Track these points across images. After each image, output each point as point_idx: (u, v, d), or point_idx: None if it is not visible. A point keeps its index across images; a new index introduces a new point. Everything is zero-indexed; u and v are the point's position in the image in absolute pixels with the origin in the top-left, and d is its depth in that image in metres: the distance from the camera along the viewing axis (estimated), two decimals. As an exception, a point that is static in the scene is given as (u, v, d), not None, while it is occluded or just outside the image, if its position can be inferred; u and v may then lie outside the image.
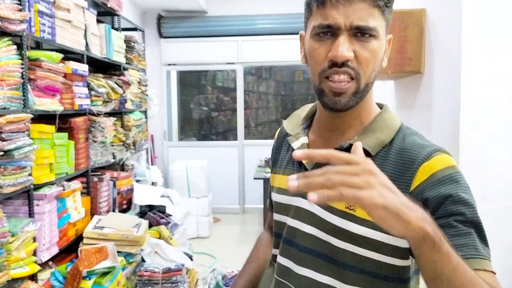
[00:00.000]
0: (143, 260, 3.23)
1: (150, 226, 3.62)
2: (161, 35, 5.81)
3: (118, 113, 3.91)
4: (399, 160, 0.82)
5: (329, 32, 0.82)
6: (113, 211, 3.59)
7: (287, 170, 0.98)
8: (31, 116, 2.33)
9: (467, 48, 2.05)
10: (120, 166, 4.02)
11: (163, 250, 3.31)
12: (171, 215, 3.84)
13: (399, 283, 0.83)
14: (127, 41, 4.18)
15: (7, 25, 2.13)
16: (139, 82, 4.40)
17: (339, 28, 0.81)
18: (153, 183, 4.63)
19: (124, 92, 3.77)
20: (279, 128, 1.10)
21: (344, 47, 0.80)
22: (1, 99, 2.12)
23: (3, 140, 2.11)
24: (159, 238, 3.49)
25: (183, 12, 5.79)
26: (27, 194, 2.40)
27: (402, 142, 0.85)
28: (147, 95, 4.67)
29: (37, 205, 2.43)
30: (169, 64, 6.00)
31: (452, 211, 0.74)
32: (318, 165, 0.89)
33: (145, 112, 4.71)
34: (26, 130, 2.30)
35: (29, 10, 2.39)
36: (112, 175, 3.67)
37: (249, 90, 6.89)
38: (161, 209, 3.86)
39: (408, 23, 2.59)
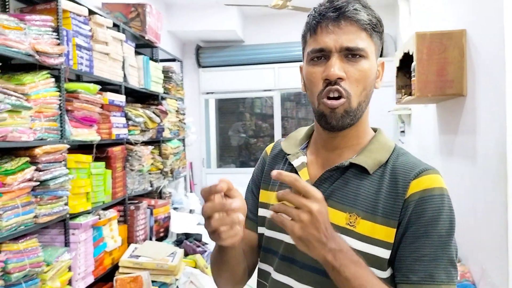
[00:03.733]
0: (178, 290, 3.19)
1: (186, 254, 3.59)
2: (199, 65, 5.92)
3: (156, 142, 3.96)
4: (393, 177, 0.90)
5: (322, 56, 0.91)
6: (150, 239, 3.59)
7: (282, 187, 0.99)
8: (68, 146, 2.38)
9: (512, 68, 1.93)
10: (158, 194, 4.05)
11: (199, 280, 3.26)
12: (207, 244, 3.80)
13: None
14: (165, 71, 4.28)
15: (45, 59, 2.21)
16: (177, 111, 4.46)
17: (330, 51, 0.89)
18: (190, 211, 4.63)
19: (161, 121, 3.83)
20: (270, 147, 1.14)
21: (335, 67, 0.88)
22: (39, 130, 2.18)
23: (40, 170, 2.15)
24: (195, 267, 3.44)
25: (221, 42, 5.90)
26: (63, 223, 2.43)
27: (396, 161, 0.93)
28: (184, 123, 4.73)
29: (73, 234, 2.45)
30: (207, 93, 6.08)
31: (422, 233, 0.85)
32: (315, 183, 0.96)
33: (183, 140, 4.76)
34: (63, 160, 2.35)
35: (67, 44, 2.48)
36: (150, 203, 3.69)
37: (287, 116, 6.85)
38: (197, 237, 3.84)
39: (447, 45, 2.49)
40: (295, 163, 1.01)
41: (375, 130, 1.02)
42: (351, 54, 0.89)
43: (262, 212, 1.05)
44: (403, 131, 4.72)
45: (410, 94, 2.85)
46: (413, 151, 4.17)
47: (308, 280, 0.92)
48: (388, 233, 0.87)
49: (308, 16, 0.95)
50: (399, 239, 0.87)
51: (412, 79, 2.62)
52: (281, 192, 0.78)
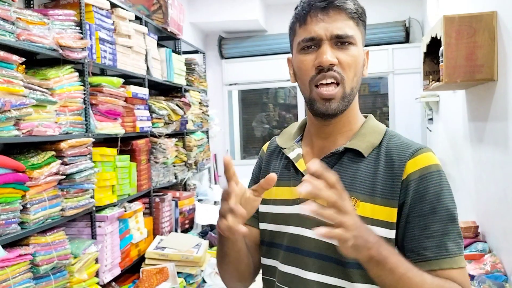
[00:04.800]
0: (204, 281, 3.21)
1: (211, 246, 3.60)
2: (222, 56, 5.91)
3: (180, 134, 3.97)
4: (388, 158, 0.93)
5: (313, 45, 0.93)
6: (176, 231, 3.62)
7: (282, 181, 1.03)
8: (93, 140, 2.40)
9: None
10: (183, 186, 4.07)
11: (224, 271, 3.27)
12: (232, 235, 3.80)
13: None
14: (188, 63, 4.28)
15: (69, 53, 2.22)
16: (200, 103, 4.46)
17: (321, 39, 0.92)
18: (215, 202, 4.64)
19: (185, 113, 3.84)
20: (266, 145, 1.17)
21: (328, 54, 0.91)
22: (64, 124, 2.21)
23: (66, 164, 2.18)
24: (220, 259, 3.45)
25: (243, 33, 5.85)
26: (90, 216, 2.46)
27: (389, 142, 0.96)
28: (208, 115, 4.73)
29: (99, 226, 2.48)
30: (231, 84, 6.06)
31: (428, 211, 0.87)
32: None
33: (206, 132, 4.77)
34: (88, 154, 2.38)
35: (91, 38, 2.49)
36: (174, 195, 3.72)
37: (311, 106, 6.79)
38: (222, 229, 3.84)
39: (477, 28, 2.40)
40: (291, 155, 1.03)
41: (365, 116, 1.06)
42: (340, 41, 0.92)
43: (262, 208, 1.06)
44: (431, 119, 4.60)
45: (438, 80, 2.76)
46: (441, 138, 4.07)
47: (314, 268, 0.94)
48: (389, 214, 0.89)
49: (296, 7, 0.98)
50: (404, 219, 0.89)
51: (440, 64, 2.54)
52: (317, 211, 0.75)
